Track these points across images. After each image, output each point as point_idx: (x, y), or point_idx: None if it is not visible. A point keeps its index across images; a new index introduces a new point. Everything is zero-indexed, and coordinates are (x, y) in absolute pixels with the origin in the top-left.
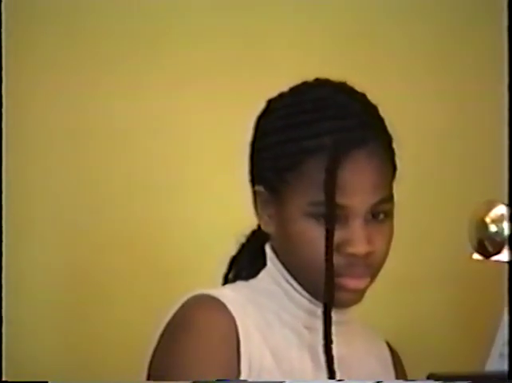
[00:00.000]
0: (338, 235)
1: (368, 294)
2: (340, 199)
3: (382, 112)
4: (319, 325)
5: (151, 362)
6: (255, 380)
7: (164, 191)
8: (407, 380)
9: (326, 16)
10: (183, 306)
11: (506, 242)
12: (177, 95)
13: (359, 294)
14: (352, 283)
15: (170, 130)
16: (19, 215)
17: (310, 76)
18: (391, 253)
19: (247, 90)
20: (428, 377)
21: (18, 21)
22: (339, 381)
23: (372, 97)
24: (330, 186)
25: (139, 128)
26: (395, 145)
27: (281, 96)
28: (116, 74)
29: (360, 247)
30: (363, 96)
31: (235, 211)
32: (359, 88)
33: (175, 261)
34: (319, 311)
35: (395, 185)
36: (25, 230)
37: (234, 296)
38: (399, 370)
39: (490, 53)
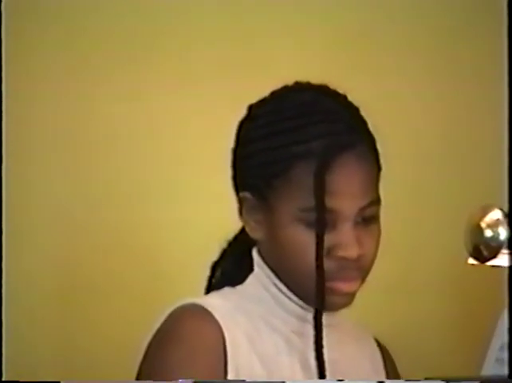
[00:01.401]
0: (328, 239)
1: (364, 298)
2: (330, 204)
3: (379, 113)
4: (309, 329)
5: (139, 371)
6: None
7: (161, 194)
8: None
9: (324, 17)
10: (170, 316)
11: (502, 246)
12: (175, 97)
13: (350, 297)
14: (343, 287)
15: (167, 132)
16: (18, 215)
17: (309, 78)
18: (388, 257)
19: (243, 93)
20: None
21: (18, 23)
22: (339, 380)
23: (370, 98)
24: (319, 191)
25: (137, 131)
26: (382, 147)
27: (263, 101)
28: (114, 76)
29: (351, 251)
30: (345, 98)
31: (228, 216)
32: (359, 90)
33: (171, 263)
34: (309, 316)
35: (391, 189)
36: (23, 231)
37: (221, 304)
38: (389, 367)
39: (490, 53)
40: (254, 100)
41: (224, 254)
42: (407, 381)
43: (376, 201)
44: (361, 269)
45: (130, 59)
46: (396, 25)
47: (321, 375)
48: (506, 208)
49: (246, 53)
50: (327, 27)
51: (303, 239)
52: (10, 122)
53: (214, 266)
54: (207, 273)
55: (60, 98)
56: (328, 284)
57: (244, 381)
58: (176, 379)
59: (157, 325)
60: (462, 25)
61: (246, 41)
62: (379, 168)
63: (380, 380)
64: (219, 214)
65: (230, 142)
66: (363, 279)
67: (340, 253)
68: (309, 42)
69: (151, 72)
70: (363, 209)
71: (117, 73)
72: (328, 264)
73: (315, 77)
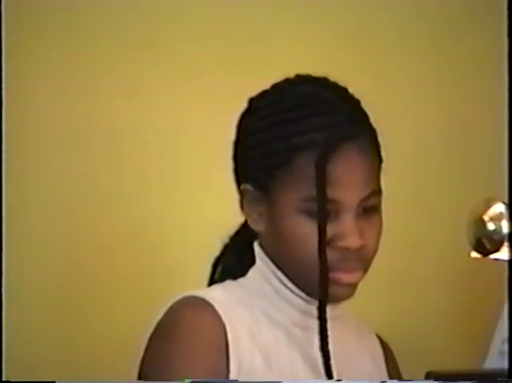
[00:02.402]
0: (330, 230)
1: (366, 291)
2: (332, 194)
3: (380, 110)
4: (311, 322)
5: (141, 365)
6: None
7: (161, 190)
8: (405, 380)
9: (324, 14)
10: (171, 309)
11: (505, 240)
12: (175, 93)
13: (352, 288)
14: (345, 277)
15: (168, 129)
16: (19, 215)
17: (309, 73)
18: (390, 251)
19: (245, 89)
20: (427, 376)
21: (18, 22)
22: (338, 380)
23: (370, 95)
24: (321, 181)
25: (138, 128)
26: (384, 140)
27: (264, 94)
28: (113, 74)
29: (352, 241)
30: (346, 90)
31: (229, 211)
32: (360, 87)
33: (171, 261)
34: (311, 309)
35: (393, 183)
36: (24, 230)
37: (223, 297)
38: (391, 363)
39: (490, 53)
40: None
41: (226, 249)
42: (406, 381)
43: (378, 192)
44: (363, 259)
45: (130, 56)
46: (396, 22)
47: (327, 367)
48: (506, 202)
49: (246, 49)
50: (327, 24)
51: (305, 230)
52: (10, 121)
53: (216, 262)
54: (208, 270)
55: (60, 96)
56: (330, 275)
57: (237, 381)
58: (178, 372)
59: (158, 317)
60: (463, 23)
61: (247, 37)
62: (380, 160)
63: (381, 374)
64: (220, 210)
65: (230, 137)
66: (365, 270)
67: (342, 243)
68: (309, 39)
69: (151, 68)
70: (364, 200)
71: (117, 69)
72: (329, 255)
73: (315, 73)
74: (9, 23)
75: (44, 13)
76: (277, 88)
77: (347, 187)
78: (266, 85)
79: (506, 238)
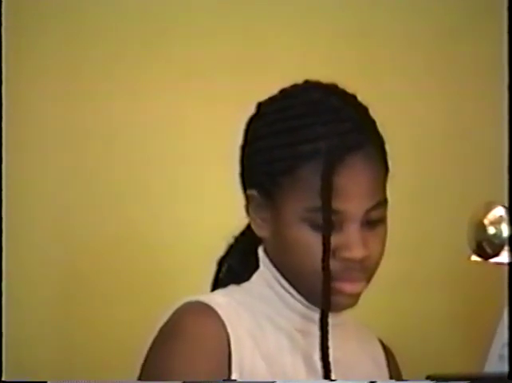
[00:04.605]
0: (334, 240)
1: (367, 295)
2: (337, 205)
3: (381, 112)
4: (313, 328)
5: (142, 369)
6: None
7: (164, 192)
8: (406, 379)
9: (326, 16)
10: (174, 314)
11: (505, 244)
12: (175, 95)
13: (355, 298)
14: (348, 287)
15: (167, 131)
16: (18, 216)
17: (311, 77)
18: (391, 255)
19: (247, 91)
20: (427, 379)
21: (18, 23)
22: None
23: (372, 97)
24: (326, 193)
25: (137, 129)
26: (387, 147)
27: (272, 99)
28: (113, 74)
29: (356, 252)
30: (354, 97)
31: (232, 214)
32: (359, 89)
33: (173, 262)
34: (313, 315)
35: (394, 187)
36: (24, 231)
37: (226, 302)
38: (393, 368)
39: (490, 53)
40: (257, 98)
41: (231, 249)
42: (406, 381)
43: (383, 202)
44: (366, 270)
45: (131, 57)
46: (399, 25)
47: (326, 376)
48: (506, 205)
49: (249, 50)
50: (330, 27)
51: (308, 239)
52: (10, 121)
53: (221, 262)
54: (211, 272)
55: (60, 96)
56: (333, 284)
57: (235, 380)
58: (179, 375)
59: (161, 322)
60: (464, 24)
61: (250, 38)
62: (386, 169)
63: (383, 378)
64: (222, 212)
65: (234, 140)
66: (368, 280)
67: (346, 254)
68: (312, 42)
69: (154, 69)
70: (369, 210)
71: (118, 70)
72: (333, 265)
73: (318, 77)
74: (9, 24)
75: (44, 14)
76: (284, 93)
77: (352, 198)
78: (269, 87)
79: (507, 241)
